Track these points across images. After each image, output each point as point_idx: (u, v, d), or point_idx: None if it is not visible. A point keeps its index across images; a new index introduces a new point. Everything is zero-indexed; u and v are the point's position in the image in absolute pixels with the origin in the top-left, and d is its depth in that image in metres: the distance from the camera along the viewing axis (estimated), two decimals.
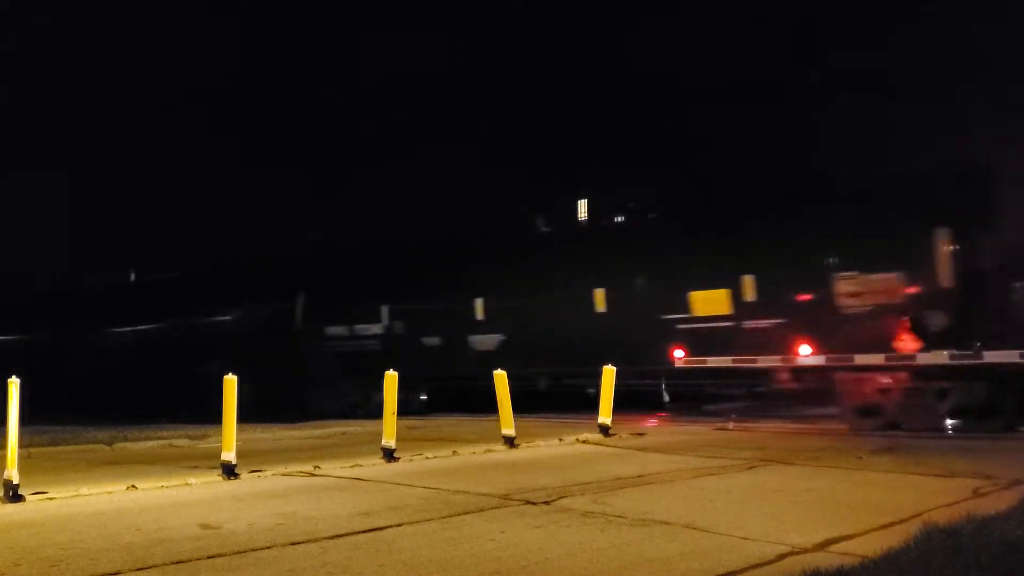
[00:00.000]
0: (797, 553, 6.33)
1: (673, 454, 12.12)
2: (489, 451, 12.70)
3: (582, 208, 22.79)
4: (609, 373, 14.68)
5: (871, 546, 6.28)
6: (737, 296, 17.70)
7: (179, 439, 15.28)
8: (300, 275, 25.22)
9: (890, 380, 15.52)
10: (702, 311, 18.20)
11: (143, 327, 27.37)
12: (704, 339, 17.91)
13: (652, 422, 17.97)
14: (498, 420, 13.56)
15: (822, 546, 6.53)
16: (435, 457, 12.06)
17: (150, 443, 14.90)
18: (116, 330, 27.76)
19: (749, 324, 17.53)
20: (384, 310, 23.02)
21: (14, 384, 9.26)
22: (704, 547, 6.59)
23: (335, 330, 23.76)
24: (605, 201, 22.61)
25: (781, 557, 6.24)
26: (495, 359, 18.28)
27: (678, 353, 17.88)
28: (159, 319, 27.07)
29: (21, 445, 9.22)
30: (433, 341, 22.36)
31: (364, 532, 7.17)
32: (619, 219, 21.94)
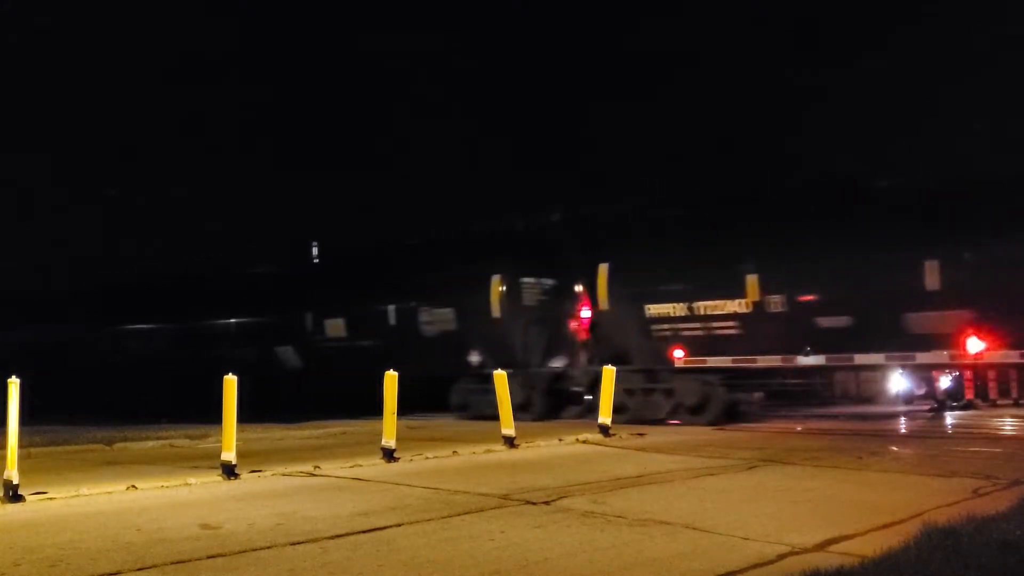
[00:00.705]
0: (797, 553, 6.33)
1: (673, 454, 12.12)
2: (489, 451, 12.71)
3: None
4: (609, 373, 14.68)
5: (871, 546, 6.28)
6: None
7: (179, 439, 15.28)
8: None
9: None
10: None
11: (143, 327, 27.38)
12: None
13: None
14: (498, 420, 13.57)
15: (822, 546, 6.53)
16: (435, 457, 12.06)
17: (150, 443, 14.90)
18: (116, 330, 27.74)
19: None
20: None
21: (14, 384, 9.26)
22: (704, 547, 6.59)
23: None
24: None
25: (781, 557, 6.24)
26: None
27: (678, 353, 17.89)
28: (158, 319, 27.07)
29: (21, 445, 9.21)
30: None
31: (364, 532, 7.17)
32: None
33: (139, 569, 6.12)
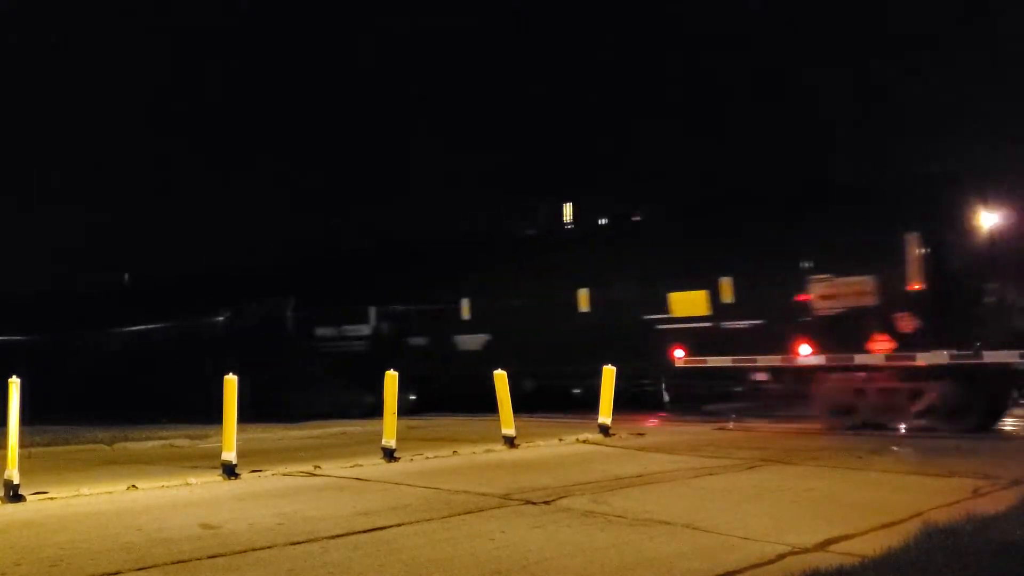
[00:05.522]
0: (797, 553, 6.34)
1: (673, 454, 12.12)
2: (489, 451, 12.71)
3: (567, 212, 22.95)
4: (609, 373, 14.68)
5: (871, 546, 6.28)
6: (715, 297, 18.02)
7: (179, 439, 15.27)
8: (291, 277, 25.30)
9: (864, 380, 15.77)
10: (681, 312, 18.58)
11: (144, 328, 27.38)
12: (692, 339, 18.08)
13: (652, 422, 17.97)
14: (498, 420, 13.56)
15: (822, 546, 6.53)
16: (435, 457, 12.06)
17: (150, 443, 14.89)
18: (116, 331, 27.75)
19: (730, 325, 17.76)
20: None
21: (15, 384, 9.26)
22: (704, 547, 6.59)
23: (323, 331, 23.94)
24: (589, 204, 22.89)
25: (781, 557, 6.25)
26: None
27: (678, 353, 17.89)
28: (159, 320, 27.09)
29: (22, 445, 9.21)
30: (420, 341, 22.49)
31: (364, 532, 7.17)
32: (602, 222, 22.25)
33: (140, 569, 6.12)
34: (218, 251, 32.94)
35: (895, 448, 12.80)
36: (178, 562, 6.25)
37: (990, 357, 14.45)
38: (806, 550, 6.41)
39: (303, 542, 6.82)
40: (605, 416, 14.40)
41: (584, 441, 13.78)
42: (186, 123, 40.02)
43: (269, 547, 6.67)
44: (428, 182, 36.80)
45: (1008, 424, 16.69)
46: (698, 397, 19.77)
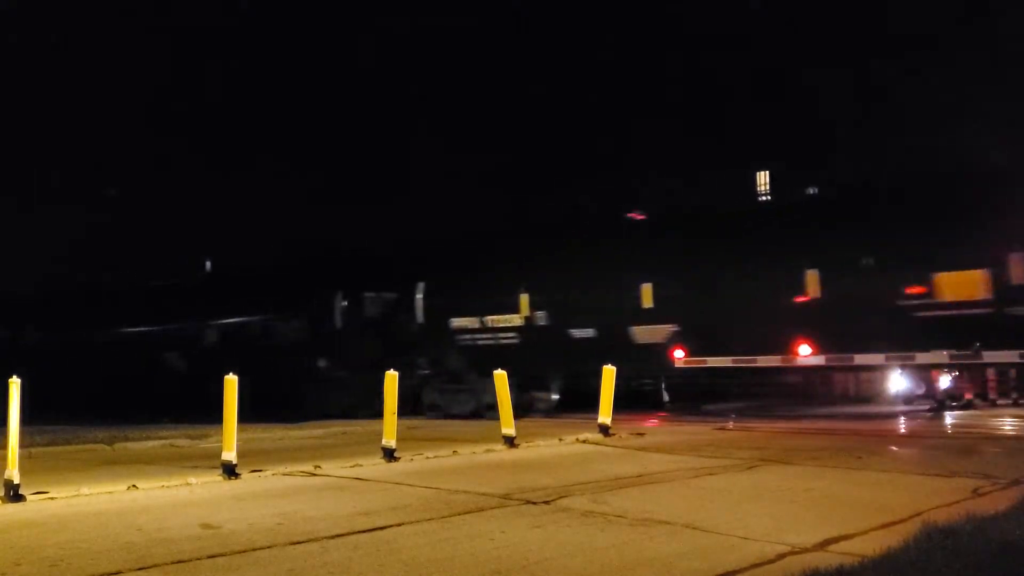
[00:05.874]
0: (797, 553, 6.34)
1: (673, 454, 12.12)
2: (489, 451, 12.71)
3: (761, 180, 20.59)
4: (609, 373, 14.68)
5: (871, 546, 6.29)
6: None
7: (179, 439, 15.28)
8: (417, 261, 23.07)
9: None
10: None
11: (145, 328, 27.29)
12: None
13: (652, 422, 17.97)
14: (498, 420, 13.58)
15: (822, 546, 6.53)
16: (435, 457, 12.07)
17: (151, 443, 14.90)
18: (118, 331, 27.69)
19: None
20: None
21: (15, 384, 9.26)
22: (704, 547, 6.59)
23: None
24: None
25: (781, 557, 6.25)
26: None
27: (678, 353, 17.86)
28: (162, 321, 26.97)
29: (22, 445, 9.22)
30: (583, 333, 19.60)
31: (364, 532, 7.17)
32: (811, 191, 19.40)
33: (140, 569, 6.12)
34: (222, 252, 32.77)
35: (895, 448, 12.80)
36: (178, 562, 6.25)
37: (990, 357, 14.42)
38: (806, 550, 6.41)
39: (303, 542, 6.82)
40: (605, 416, 14.40)
41: (584, 441, 13.78)
42: (186, 123, 40.03)
43: (269, 547, 6.67)
44: (426, 182, 36.84)
45: (1008, 424, 16.70)
46: None
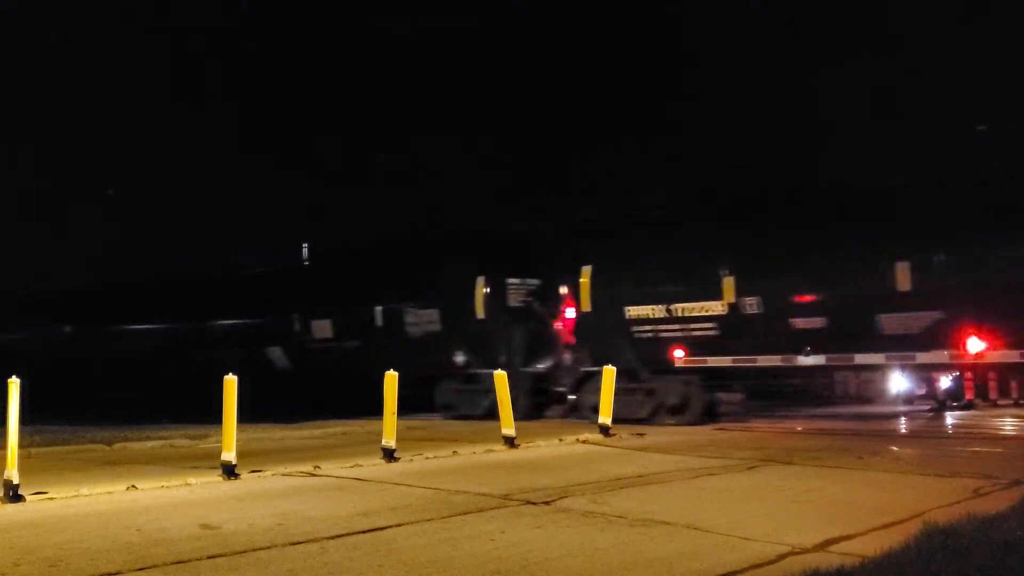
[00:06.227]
0: (797, 553, 6.33)
1: (673, 454, 12.12)
2: (489, 451, 12.70)
3: None
4: (609, 373, 14.68)
5: (871, 546, 6.28)
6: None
7: (179, 439, 15.27)
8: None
9: None
10: None
11: (146, 327, 27.22)
12: None
13: None
14: (498, 421, 13.57)
15: (822, 546, 6.53)
16: (435, 457, 12.06)
17: (150, 443, 14.89)
18: (119, 330, 27.65)
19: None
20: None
21: (14, 384, 9.26)
22: (704, 547, 6.59)
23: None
24: None
25: (781, 557, 6.24)
26: None
27: (678, 353, 17.84)
28: (163, 320, 26.90)
29: (21, 445, 9.21)
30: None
31: (364, 532, 7.17)
32: None
33: (139, 569, 6.11)
34: (224, 252, 32.67)
35: (895, 448, 12.79)
36: (178, 562, 6.25)
37: (990, 356, 14.40)
38: (806, 550, 6.41)
39: (303, 542, 6.81)
40: (605, 416, 14.40)
41: (584, 441, 13.78)
42: (186, 123, 40.01)
43: (269, 547, 6.67)
44: (428, 182, 36.84)
45: (1008, 424, 16.70)
46: None
